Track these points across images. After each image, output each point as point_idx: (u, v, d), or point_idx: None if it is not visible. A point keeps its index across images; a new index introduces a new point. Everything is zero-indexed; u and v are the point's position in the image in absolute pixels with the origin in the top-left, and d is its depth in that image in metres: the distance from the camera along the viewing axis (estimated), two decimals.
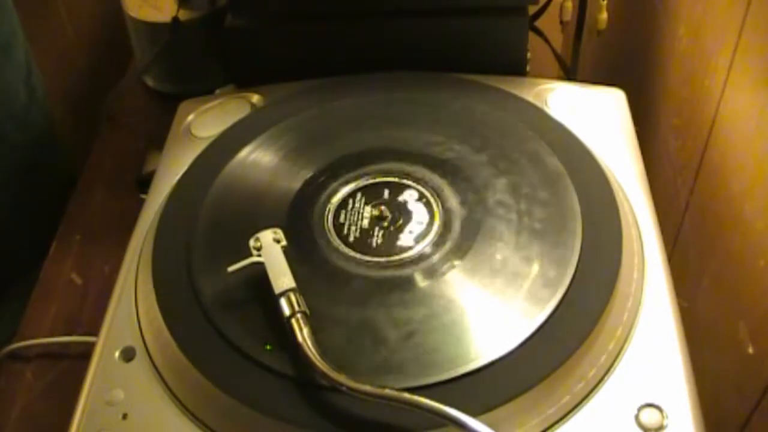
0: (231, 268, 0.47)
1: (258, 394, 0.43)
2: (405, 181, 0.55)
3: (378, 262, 0.50)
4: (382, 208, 0.52)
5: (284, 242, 0.48)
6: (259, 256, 0.47)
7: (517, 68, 0.67)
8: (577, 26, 0.74)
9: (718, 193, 0.58)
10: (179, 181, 0.57)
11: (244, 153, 0.58)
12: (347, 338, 0.45)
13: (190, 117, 0.65)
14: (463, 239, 0.50)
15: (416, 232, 0.51)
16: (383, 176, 0.55)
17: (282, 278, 0.46)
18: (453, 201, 0.53)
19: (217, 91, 0.69)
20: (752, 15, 0.52)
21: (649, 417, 0.43)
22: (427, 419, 0.40)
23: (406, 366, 0.44)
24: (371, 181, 0.55)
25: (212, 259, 0.51)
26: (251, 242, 0.48)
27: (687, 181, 0.64)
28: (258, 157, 0.58)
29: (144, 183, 0.68)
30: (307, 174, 0.56)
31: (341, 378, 0.41)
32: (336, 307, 0.47)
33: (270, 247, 0.48)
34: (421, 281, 0.48)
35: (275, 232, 0.49)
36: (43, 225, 0.74)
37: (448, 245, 0.50)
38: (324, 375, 0.42)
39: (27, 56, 0.75)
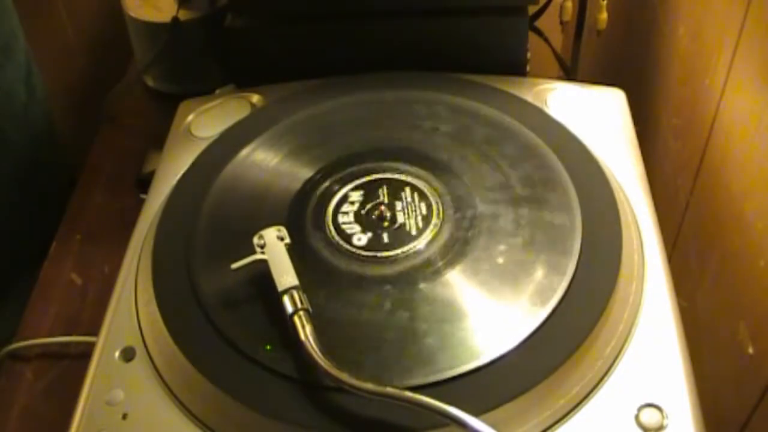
0: (234, 265, 0.47)
1: (258, 394, 0.43)
2: (405, 181, 0.55)
3: (379, 262, 0.50)
4: (383, 207, 0.52)
5: (288, 240, 0.48)
6: (263, 253, 0.47)
7: (517, 68, 0.67)
8: (577, 26, 0.74)
9: (718, 193, 0.58)
10: (179, 181, 0.57)
11: (244, 153, 0.58)
12: (349, 337, 0.45)
13: (190, 117, 0.65)
14: (463, 239, 0.50)
15: (416, 232, 0.51)
16: (383, 176, 0.55)
17: (285, 276, 0.46)
18: (453, 200, 0.53)
19: (217, 91, 0.69)
20: (752, 15, 0.52)
21: (649, 417, 0.43)
22: (428, 418, 0.40)
23: (408, 365, 0.44)
24: (371, 180, 0.55)
25: (212, 259, 0.51)
26: (255, 239, 0.48)
27: (687, 181, 0.64)
28: (258, 157, 0.58)
29: (144, 183, 0.68)
30: (307, 174, 0.56)
31: (343, 376, 0.41)
32: (337, 306, 0.47)
33: (273, 245, 0.48)
34: (422, 280, 0.48)
35: (279, 230, 0.49)
36: (43, 225, 0.74)
37: (448, 244, 0.50)
38: (326, 373, 0.42)
39: (27, 56, 0.75)
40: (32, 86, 0.76)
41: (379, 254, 0.50)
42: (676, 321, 0.47)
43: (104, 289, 0.58)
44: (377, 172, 0.55)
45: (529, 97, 0.62)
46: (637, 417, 0.43)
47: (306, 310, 0.45)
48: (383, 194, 0.54)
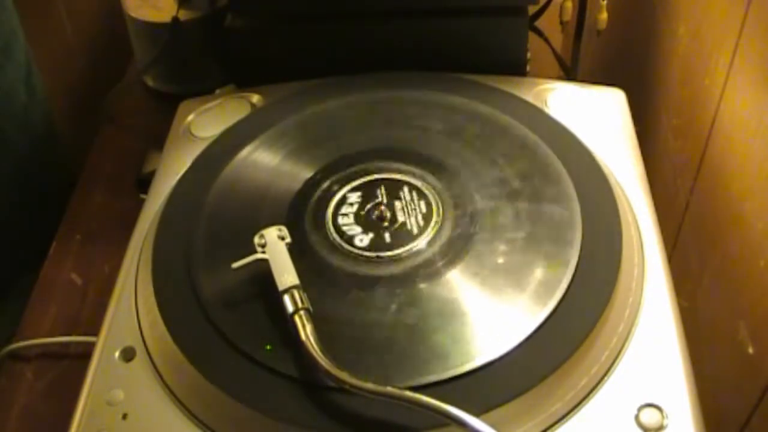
0: (235, 265, 0.47)
1: (258, 393, 0.43)
2: (405, 180, 0.55)
3: (379, 261, 0.50)
4: (383, 207, 0.53)
5: (288, 239, 0.48)
6: (264, 252, 0.47)
7: (517, 68, 0.67)
8: (577, 26, 0.74)
9: (718, 193, 0.58)
10: (179, 181, 0.57)
11: (244, 153, 0.58)
12: (349, 337, 0.45)
13: (190, 117, 0.65)
14: (463, 239, 0.50)
15: (417, 231, 0.51)
16: (383, 175, 0.55)
17: (286, 275, 0.46)
18: (453, 201, 0.53)
19: (217, 91, 0.69)
20: (752, 15, 0.52)
21: (649, 417, 0.43)
22: (428, 418, 0.40)
23: (408, 364, 0.44)
24: (371, 180, 0.55)
25: (212, 259, 0.51)
26: (256, 239, 0.48)
27: (687, 181, 0.64)
28: (258, 157, 0.58)
29: (144, 183, 0.68)
30: (307, 174, 0.56)
31: (343, 375, 0.41)
32: (337, 306, 0.47)
33: (274, 244, 0.48)
34: (422, 280, 0.48)
35: (280, 230, 0.49)
36: (43, 225, 0.74)
37: (448, 244, 0.50)
38: (326, 373, 0.42)
39: (27, 56, 0.75)
40: (32, 86, 0.76)
41: (379, 254, 0.50)
42: (676, 321, 0.47)
43: (104, 289, 0.58)
44: (377, 172, 0.55)
45: (529, 97, 0.62)
46: (637, 417, 0.43)
47: (306, 310, 0.45)
48: (383, 194, 0.54)
